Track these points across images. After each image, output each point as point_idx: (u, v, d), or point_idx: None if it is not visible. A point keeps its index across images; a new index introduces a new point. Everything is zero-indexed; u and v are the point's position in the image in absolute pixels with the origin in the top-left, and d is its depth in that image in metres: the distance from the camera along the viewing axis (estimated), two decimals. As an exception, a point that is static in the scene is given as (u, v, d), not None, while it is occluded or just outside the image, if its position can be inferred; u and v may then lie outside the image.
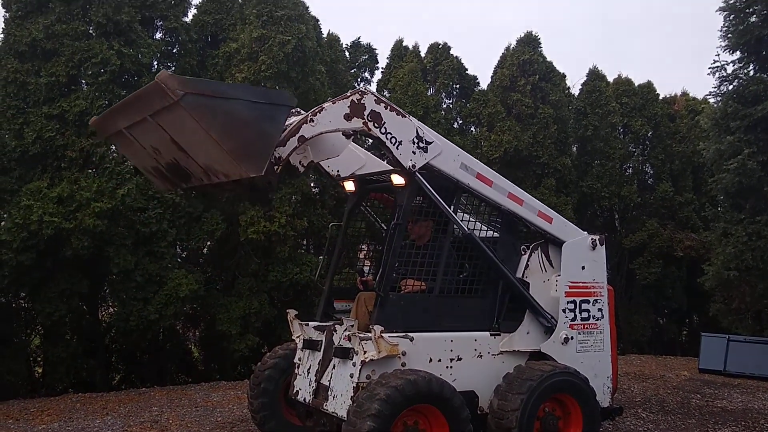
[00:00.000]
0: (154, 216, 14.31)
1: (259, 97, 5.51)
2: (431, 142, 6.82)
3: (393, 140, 6.60)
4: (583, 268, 7.83)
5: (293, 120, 6.17)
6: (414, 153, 6.70)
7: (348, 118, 6.31)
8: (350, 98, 6.36)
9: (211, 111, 5.16)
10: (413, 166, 6.72)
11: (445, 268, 7.12)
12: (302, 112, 7.30)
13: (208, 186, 6.18)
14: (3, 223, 13.67)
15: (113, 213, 13.63)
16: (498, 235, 7.67)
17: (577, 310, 7.74)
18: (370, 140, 16.82)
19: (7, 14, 14.61)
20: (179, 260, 15.84)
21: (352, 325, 6.96)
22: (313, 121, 6.09)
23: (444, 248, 7.15)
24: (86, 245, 13.40)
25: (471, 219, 7.39)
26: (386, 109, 6.54)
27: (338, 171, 7.82)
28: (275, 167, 5.81)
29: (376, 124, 6.46)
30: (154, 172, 6.63)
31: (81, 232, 13.23)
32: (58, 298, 13.91)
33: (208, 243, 16.28)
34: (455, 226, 7.15)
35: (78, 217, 13.21)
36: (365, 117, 6.39)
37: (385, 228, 8.18)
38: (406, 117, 6.73)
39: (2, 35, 14.50)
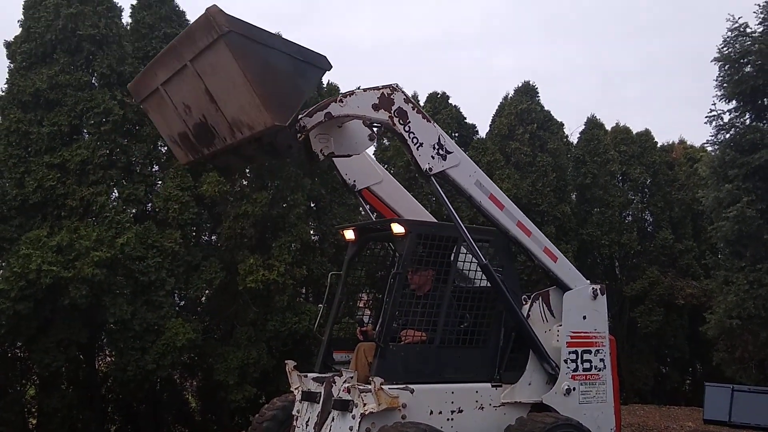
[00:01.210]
0: (153, 265, 14.26)
1: (298, 54, 5.70)
2: (451, 152, 6.89)
3: (415, 140, 6.68)
4: (584, 317, 7.76)
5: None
6: (433, 158, 6.77)
7: (376, 108, 6.44)
8: (381, 91, 6.50)
9: (251, 53, 5.33)
10: (430, 169, 6.77)
11: (445, 318, 7.06)
12: None
13: (230, 150, 6.25)
14: (1, 272, 13.63)
15: (112, 262, 13.59)
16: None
17: (579, 361, 7.64)
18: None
19: (12, 65, 14.81)
20: (177, 309, 15.74)
21: (352, 377, 6.87)
22: (342, 101, 6.26)
23: (445, 298, 7.09)
24: (84, 294, 13.33)
25: (472, 269, 7.35)
26: (413, 109, 6.66)
27: (354, 181, 7.86)
28: (298, 134, 6.01)
29: (401, 121, 6.57)
30: (179, 138, 6.71)
31: (79, 281, 13.17)
32: (55, 347, 13.78)
33: (207, 292, 16.21)
34: (457, 274, 7.11)
35: (77, 265, 13.17)
36: (392, 111, 6.51)
37: (386, 276, 8.13)
38: (430, 122, 6.84)
39: (6, 86, 14.67)
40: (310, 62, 5.76)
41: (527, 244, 7.44)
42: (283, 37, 5.76)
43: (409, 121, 6.62)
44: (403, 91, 6.64)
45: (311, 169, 15.74)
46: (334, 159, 7.27)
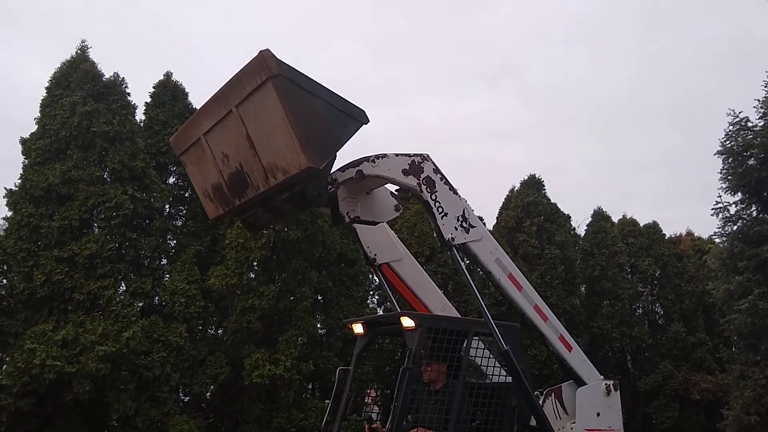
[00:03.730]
0: (158, 359, 14.09)
1: (339, 105, 5.90)
2: (474, 227, 6.88)
3: (440, 209, 6.70)
4: (598, 414, 7.54)
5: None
6: (456, 229, 6.76)
7: (405, 173, 6.50)
8: (413, 158, 6.58)
9: (296, 98, 5.58)
10: (452, 239, 6.74)
11: (457, 416, 6.86)
12: None
13: (259, 203, 6.42)
14: (5, 366, 13.47)
15: (117, 356, 13.44)
16: (510, 381, 7.45)
17: (595, 459, 7.39)
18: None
19: (26, 161, 15.10)
20: (181, 405, 15.43)
21: (361, 477, 6.64)
22: (374, 162, 6.35)
23: (456, 393, 6.92)
24: (88, 389, 13.13)
25: (484, 365, 7.20)
26: (441, 180, 6.69)
27: (375, 255, 7.81)
28: (329, 186, 6.19)
29: (428, 189, 6.60)
30: (212, 191, 6.85)
31: (83, 376, 12.99)
32: (55, 446, 13.46)
33: (212, 387, 15.93)
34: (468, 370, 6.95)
35: (81, 360, 13.02)
36: (420, 179, 6.55)
37: (395, 371, 7.98)
38: (457, 195, 6.87)
39: (20, 181, 14.90)
40: (350, 114, 5.98)
41: (543, 330, 7.34)
42: (325, 87, 6.02)
43: (437, 191, 6.70)
44: (433, 161, 6.77)
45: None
46: (357, 230, 7.35)
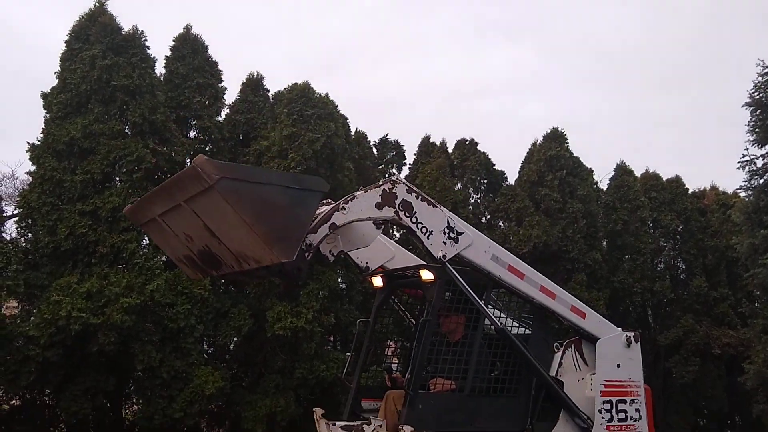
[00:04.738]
0: (182, 311, 14.27)
1: (292, 183, 5.57)
2: (462, 233, 6.73)
3: (424, 230, 6.53)
4: (618, 366, 7.54)
5: (324, 209, 6.18)
6: (445, 243, 6.61)
7: (379, 206, 6.28)
8: (382, 187, 6.34)
9: (245, 195, 5.22)
10: (444, 256, 6.62)
11: (476, 366, 6.90)
12: (332, 202, 7.31)
13: (238, 273, 6.16)
14: (32, 318, 13.73)
15: (141, 308, 13.63)
16: (530, 332, 7.46)
17: (614, 411, 7.39)
18: (399, 233, 16.92)
19: (48, 115, 15.15)
20: (206, 357, 15.68)
21: (381, 425, 6.71)
22: (344, 208, 6.10)
23: (475, 345, 6.94)
24: (113, 341, 13.35)
25: (502, 315, 7.21)
26: (417, 198, 6.49)
27: (367, 262, 7.75)
28: (306, 254, 5.79)
29: (407, 214, 6.40)
30: (186, 260, 6.63)
31: (108, 328, 13.21)
32: (83, 395, 13.76)
33: (235, 339, 16.15)
34: (487, 321, 6.98)
35: (106, 312, 13.22)
36: (396, 206, 6.35)
37: (414, 323, 8.02)
38: (437, 207, 6.69)
39: (42, 135, 14.98)
40: (306, 188, 5.61)
41: (554, 308, 7.28)
42: (274, 170, 5.72)
43: (415, 212, 6.45)
44: (404, 182, 6.51)
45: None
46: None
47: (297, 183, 5.60)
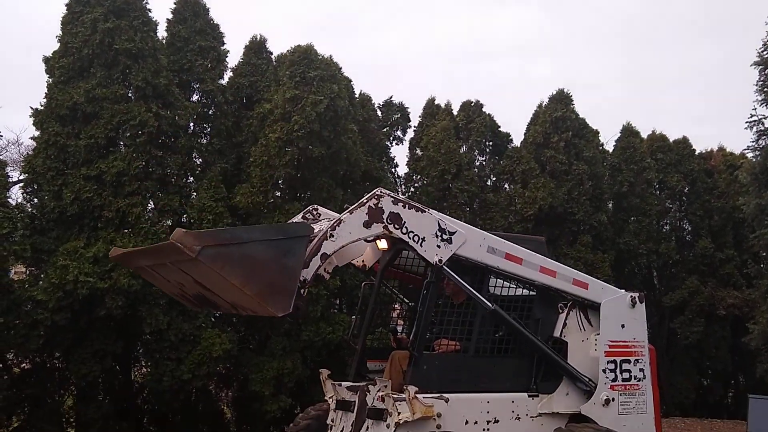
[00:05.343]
0: (189, 275, 14.32)
1: (276, 234, 5.50)
2: (455, 232, 6.64)
3: (416, 238, 6.43)
4: (622, 326, 7.56)
5: (316, 231, 6.08)
6: (439, 247, 6.53)
7: (367, 225, 6.19)
8: (367, 204, 6.23)
9: (230, 259, 5.16)
10: (440, 260, 6.56)
11: (480, 327, 6.93)
12: (319, 209, 7.28)
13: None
14: (40, 282, 13.83)
15: (148, 272, 13.68)
16: (535, 293, 7.49)
17: (618, 371, 7.44)
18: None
19: (51, 79, 15.07)
20: (213, 319, 15.80)
21: (386, 386, 6.77)
22: (333, 236, 5.99)
23: (479, 306, 6.97)
24: (120, 305, 13.45)
25: (506, 282, 7.21)
26: (405, 207, 6.38)
27: (364, 261, 7.76)
28: (301, 290, 5.71)
29: (396, 226, 6.30)
30: (182, 298, 6.71)
31: (115, 292, 13.30)
32: (91, 358, 13.92)
33: (242, 302, 16.22)
34: (491, 286, 6.99)
35: (113, 276, 13.30)
36: (385, 221, 6.24)
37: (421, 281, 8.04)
38: (426, 211, 6.57)
39: (45, 100, 14.91)
40: (292, 236, 5.56)
41: (556, 285, 7.25)
42: (255, 226, 5.62)
43: (404, 222, 6.34)
44: (389, 194, 6.36)
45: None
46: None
47: (281, 233, 5.56)
